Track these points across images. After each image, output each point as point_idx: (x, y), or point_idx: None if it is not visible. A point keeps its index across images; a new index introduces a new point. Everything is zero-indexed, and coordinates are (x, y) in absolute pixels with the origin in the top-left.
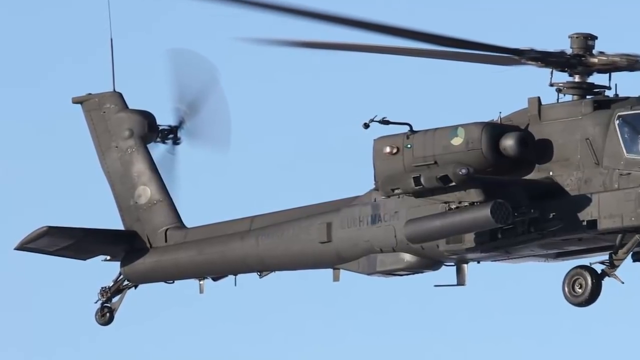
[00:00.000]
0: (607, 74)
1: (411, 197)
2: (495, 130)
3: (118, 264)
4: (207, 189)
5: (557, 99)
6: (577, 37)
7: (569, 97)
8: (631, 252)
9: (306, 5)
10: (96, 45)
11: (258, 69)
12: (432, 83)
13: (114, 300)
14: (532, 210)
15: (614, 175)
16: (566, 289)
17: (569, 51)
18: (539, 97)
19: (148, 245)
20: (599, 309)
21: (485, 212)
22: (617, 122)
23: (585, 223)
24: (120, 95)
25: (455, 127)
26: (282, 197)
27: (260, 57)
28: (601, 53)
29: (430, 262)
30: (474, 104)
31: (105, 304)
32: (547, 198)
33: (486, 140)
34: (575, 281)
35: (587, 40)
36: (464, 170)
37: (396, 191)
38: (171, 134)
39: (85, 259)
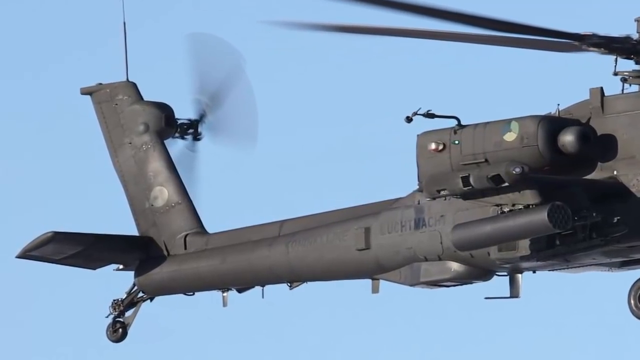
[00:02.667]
0: None
1: (459, 199)
2: (553, 124)
3: (132, 273)
4: (231, 190)
5: (622, 90)
6: None
7: (635, 88)
8: None
9: None
10: (107, 30)
11: (288, 56)
12: (482, 72)
13: (127, 314)
14: (594, 214)
15: None
16: (632, 301)
17: (635, 36)
18: (601, 88)
19: (165, 253)
20: None
21: (541, 216)
22: None
23: None
24: (135, 85)
25: (509, 121)
26: (315, 199)
27: (290, 43)
28: None
29: (480, 272)
30: (529, 95)
31: (118, 319)
32: (611, 200)
33: (543, 136)
34: None
35: None
36: (518, 169)
37: (442, 192)
38: (191, 129)
39: (95, 268)
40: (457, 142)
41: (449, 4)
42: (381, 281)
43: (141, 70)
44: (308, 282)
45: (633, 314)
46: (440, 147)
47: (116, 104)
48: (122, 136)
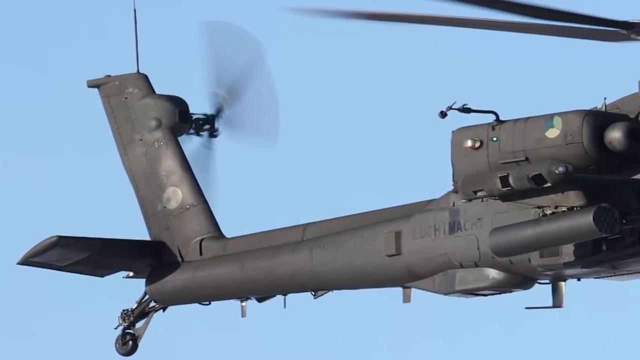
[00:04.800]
0: None
1: (497, 201)
2: (599, 120)
3: (143, 281)
4: (251, 191)
5: None
6: None
7: None
8: None
9: None
10: (116, 18)
11: (311, 46)
12: (522, 63)
13: (138, 325)
14: None
15: None
16: None
17: None
18: None
19: (179, 259)
20: None
21: (587, 219)
22: None
23: None
24: (146, 77)
25: (551, 116)
26: (341, 201)
27: (314, 32)
28: None
29: (520, 280)
30: (573, 88)
31: (128, 330)
32: None
33: (588, 132)
34: None
35: None
36: (561, 168)
37: (479, 193)
38: (207, 125)
39: (103, 276)
40: (495, 138)
41: None
42: (413, 290)
43: (153, 61)
44: (334, 291)
45: None
46: (477, 144)
47: (126, 98)
48: (132, 132)
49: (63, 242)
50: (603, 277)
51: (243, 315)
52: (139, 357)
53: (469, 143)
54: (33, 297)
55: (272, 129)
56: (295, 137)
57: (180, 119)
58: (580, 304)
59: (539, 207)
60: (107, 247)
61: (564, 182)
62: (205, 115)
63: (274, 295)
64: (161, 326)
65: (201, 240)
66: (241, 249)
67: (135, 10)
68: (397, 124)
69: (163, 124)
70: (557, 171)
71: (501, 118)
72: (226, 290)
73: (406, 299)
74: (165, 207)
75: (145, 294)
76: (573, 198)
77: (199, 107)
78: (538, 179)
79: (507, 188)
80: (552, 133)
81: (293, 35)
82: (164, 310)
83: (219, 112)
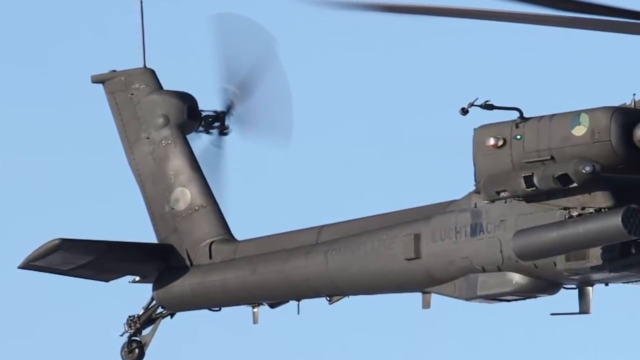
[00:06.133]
0: None
1: (521, 202)
2: (628, 117)
3: (150, 286)
4: (263, 191)
5: None
6: None
7: None
8: None
9: None
10: (122, 10)
11: (326, 39)
12: (547, 57)
13: (145, 332)
14: None
15: None
16: None
17: None
18: None
19: (188, 263)
20: None
21: (615, 221)
22: None
23: None
24: (153, 72)
25: (578, 114)
26: (357, 202)
27: (329, 25)
28: None
29: (545, 284)
30: (600, 84)
31: (134, 337)
32: None
33: (616, 130)
34: None
35: None
36: (588, 168)
37: (502, 194)
38: (217, 122)
39: (108, 280)
40: (519, 137)
41: None
42: (433, 295)
43: (160, 56)
44: (350, 296)
45: None
46: (500, 142)
47: (132, 94)
48: (138, 130)
49: (66, 245)
50: (632, 281)
51: (255, 321)
52: None
53: (492, 141)
54: (34, 303)
55: (285, 126)
56: (309, 135)
57: (189, 116)
58: (608, 310)
59: (564, 209)
60: (111, 251)
61: (591, 182)
62: (215, 112)
63: (287, 301)
64: (169, 333)
65: (211, 243)
66: (253, 252)
67: (141, 2)
68: (416, 122)
69: (171, 121)
70: (584, 171)
71: (525, 115)
72: (237, 295)
73: (426, 304)
74: (173, 209)
75: (152, 299)
76: (600, 199)
77: (208, 103)
78: (564, 179)
79: (531, 188)
80: (579, 131)
81: (307, 28)
82: (171, 317)
83: (229, 108)
